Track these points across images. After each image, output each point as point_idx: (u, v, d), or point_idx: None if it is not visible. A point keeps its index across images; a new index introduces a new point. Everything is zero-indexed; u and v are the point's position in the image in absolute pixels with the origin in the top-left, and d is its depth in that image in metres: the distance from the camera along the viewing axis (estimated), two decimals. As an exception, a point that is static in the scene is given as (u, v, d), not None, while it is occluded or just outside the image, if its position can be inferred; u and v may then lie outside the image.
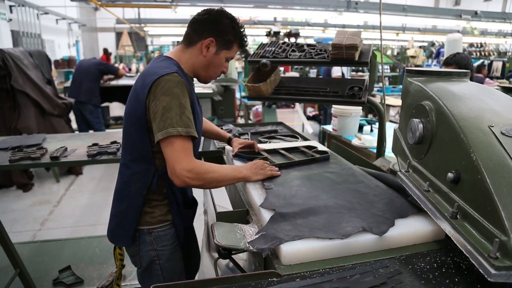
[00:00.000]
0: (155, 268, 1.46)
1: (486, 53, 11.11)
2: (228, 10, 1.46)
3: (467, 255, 0.88)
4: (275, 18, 10.50)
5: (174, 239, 1.48)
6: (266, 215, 1.16)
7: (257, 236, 1.05)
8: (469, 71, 1.37)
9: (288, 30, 9.79)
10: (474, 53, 10.79)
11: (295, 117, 8.86)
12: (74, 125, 5.67)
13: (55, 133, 4.62)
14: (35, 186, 4.74)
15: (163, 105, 1.24)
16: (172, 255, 1.48)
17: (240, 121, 7.00)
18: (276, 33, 9.76)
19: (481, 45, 11.61)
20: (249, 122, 6.70)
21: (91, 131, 5.43)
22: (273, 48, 2.22)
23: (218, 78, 1.61)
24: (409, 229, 1.09)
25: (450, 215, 0.97)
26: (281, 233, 1.03)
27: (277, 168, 1.49)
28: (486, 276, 0.80)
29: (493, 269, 0.79)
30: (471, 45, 11.82)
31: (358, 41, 1.90)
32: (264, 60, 2.11)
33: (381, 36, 1.72)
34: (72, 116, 5.40)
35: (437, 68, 9.76)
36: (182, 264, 1.56)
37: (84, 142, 2.43)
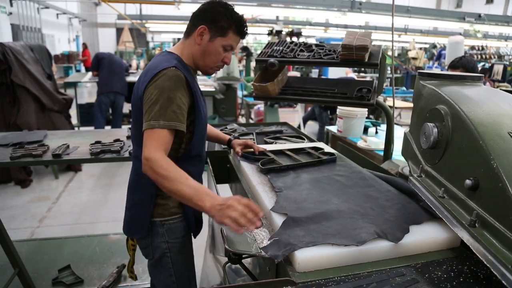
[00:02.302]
0: (166, 260, 1.48)
1: (487, 56, 11.11)
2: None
3: (488, 265, 0.86)
4: (277, 17, 10.45)
5: (185, 231, 1.51)
6: (278, 219, 1.13)
7: (270, 241, 1.02)
8: (482, 75, 1.34)
9: (290, 29, 9.77)
10: (476, 56, 10.78)
11: (296, 116, 8.84)
12: (74, 120, 5.63)
13: (55, 129, 4.61)
14: (33, 182, 4.70)
15: (152, 98, 1.28)
16: (183, 248, 1.50)
17: (241, 119, 6.96)
18: (278, 32, 9.73)
19: (482, 48, 11.61)
20: (251, 121, 6.66)
21: (90, 128, 5.41)
22: (281, 48, 2.18)
23: (220, 69, 1.56)
24: (424, 236, 1.06)
25: (468, 223, 0.95)
26: (295, 239, 1.00)
27: (258, 222, 1.11)
28: None
29: None
30: (472, 47, 11.82)
31: (368, 42, 1.87)
32: (272, 60, 2.08)
33: (392, 37, 1.69)
34: (72, 111, 5.35)
35: (438, 71, 9.76)
36: (193, 258, 1.58)
37: (86, 139, 2.39)
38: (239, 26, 1.42)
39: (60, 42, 14.39)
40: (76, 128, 5.82)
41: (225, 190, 1.80)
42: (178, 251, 1.49)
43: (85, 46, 14.62)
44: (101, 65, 5.53)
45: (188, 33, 1.44)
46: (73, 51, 13.81)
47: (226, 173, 2.03)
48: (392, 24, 1.67)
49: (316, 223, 1.09)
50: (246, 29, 1.46)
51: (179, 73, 1.32)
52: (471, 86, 1.23)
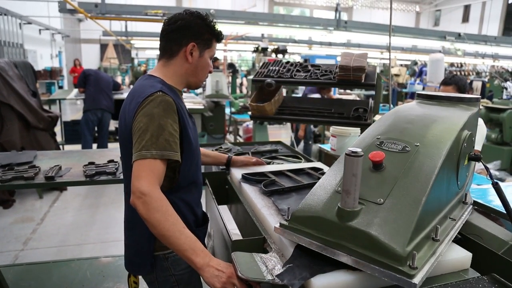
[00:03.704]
0: None
1: (466, 73, 11.50)
2: (219, 26, 1.46)
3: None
4: (262, 34, 10.60)
5: None
6: (288, 244, 1.11)
7: (284, 268, 1.00)
8: (479, 96, 1.38)
9: (275, 47, 9.88)
10: (455, 73, 11.14)
11: (282, 133, 8.89)
12: (58, 138, 5.51)
13: (40, 147, 4.49)
14: (16, 203, 4.54)
15: (140, 126, 1.21)
16: (191, 278, 1.43)
17: (229, 137, 6.95)
18: (264, 49, 9.83)
19: (461, 65, 12.02)
20: (239, 138, 6.65)
21: (76, 146, 5.31)
22: (278, 68, 2.20)
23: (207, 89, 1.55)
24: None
25: None
26: (310, 265, 0.98)
27: None
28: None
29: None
30: (451, 64, 12.23)
31: (365, 63, 1.91)
32: (269, 80, 2.09)
33: (389, 56, 1.72)
34: (56, 129, 5.23)
35: (420, 87, 10.01)
36: (201, 286, 1.50)
37: (78, 160, 2.33)
38: (218, 33, 1.43)
39: (43, 58, 14.16)
40: (61, 146, 5.69)
41: (223, 211, 1.77)
42: (186, 283, 1.42)
43: (79, 62, 14.27)
44: (88, 81, 5.46)
45: (171, 54, 1.38)
46: (55, 67, 13.62)
47: (224, 195, 2.01)
48: (390, 43, 1.72)
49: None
50: (222, 34, 1.47)
51: (167, 98, 1.26)
52: (443, 106, 1.28)
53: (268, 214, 1.34)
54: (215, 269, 1.08)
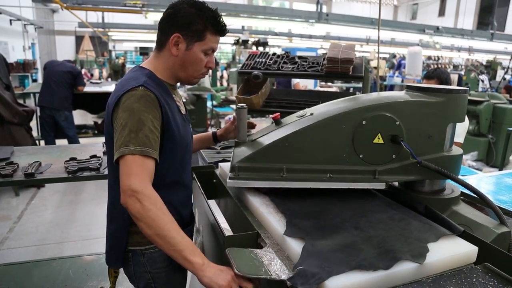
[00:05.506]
0: None
1: (442, 66, 11.77)
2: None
3: None
4: (243, 26, 10.50)
5: (169, 260, 1.34)
6: (293, 243, 1.06)
7: (295, 271, 0.96)
8: (467, 88, 1.39)
9: (256, 39, 9.82)
10: (432, 66, 11.38)
11: (264, 126, 8.89)
12: (34, 133, 5.30)
13: (15, 143, 4.30)
14: (-10, 201, 4.37)
15: (120, 122, 1.15)
16: (169, 278, 1.37)
17: (211, 130, 6.89)
18: (245, 42, 9.75)
19: (438, 58, 12.29)
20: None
21: (60, 144, 5.13)
22: (264, 60, 2.17)
23: (205, 76, 1.50)
24: (444, 254, 1.02)
25: None
26: (321, 267, 0.94)
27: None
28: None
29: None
30: (429, 57, 12.49)
31: (353, 55, 1.90)
32: (256, 72, 2.06)
33: (378, 49, 1.72)
34: (32, 123, 5.04)
35: (399, 79, 10.18)
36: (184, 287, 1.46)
37: (58, 156, 2.24)
38: (215, 24, 1.27)
39: (15, 50, 13.62)
40: (37, 141, 5.49)
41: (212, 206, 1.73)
42: (164, 282, 1.37)
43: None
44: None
45: (160, 45, 1.29)
46: (29, 60, 13.13)
47: (212, 189, 1.97)
48: (378, 37, 1.71)
49: (335, 244, 1.05)
50: (224, 25, 1.30)
51: (149, 93, 1.18)
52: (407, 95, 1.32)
53: (267, 213, 1.30)
54: (216, 268, 1.04)
